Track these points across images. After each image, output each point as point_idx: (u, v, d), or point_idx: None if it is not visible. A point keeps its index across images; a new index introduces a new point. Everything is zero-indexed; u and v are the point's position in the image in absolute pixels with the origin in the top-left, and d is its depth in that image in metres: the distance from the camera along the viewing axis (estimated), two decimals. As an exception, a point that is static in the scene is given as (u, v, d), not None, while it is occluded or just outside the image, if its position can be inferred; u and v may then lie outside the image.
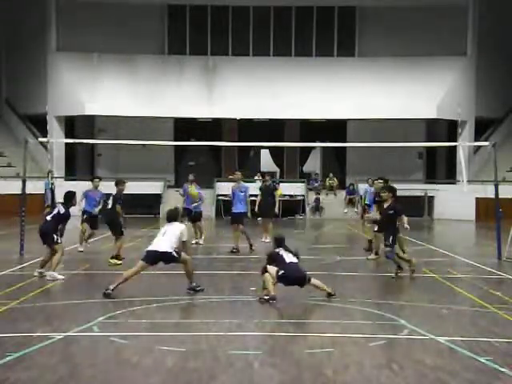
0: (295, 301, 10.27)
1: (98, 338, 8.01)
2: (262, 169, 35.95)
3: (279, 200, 21.02)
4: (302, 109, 33.24)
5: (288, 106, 32.92)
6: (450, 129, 34.14)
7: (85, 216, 16.96)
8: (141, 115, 33.55)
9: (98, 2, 34.59)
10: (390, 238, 12.85)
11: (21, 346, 7.41)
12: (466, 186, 21.26)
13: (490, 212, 22.97)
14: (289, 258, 10.44)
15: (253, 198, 18.35)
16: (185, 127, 35.84)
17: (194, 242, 18.16)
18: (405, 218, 13.28)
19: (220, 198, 32.26)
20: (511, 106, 37.36)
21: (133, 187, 26.45)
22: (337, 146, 34.51)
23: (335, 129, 35.61)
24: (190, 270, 10.78)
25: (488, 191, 25.24)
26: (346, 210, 33.43)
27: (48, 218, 12.72)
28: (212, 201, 32.38)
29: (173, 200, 28.52)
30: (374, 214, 15.35)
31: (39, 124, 31.98)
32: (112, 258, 14.41)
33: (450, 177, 35.31)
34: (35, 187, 23.79)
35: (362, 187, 22.33)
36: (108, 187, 15.87)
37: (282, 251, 10.56)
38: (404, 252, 14.96)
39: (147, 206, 32.71)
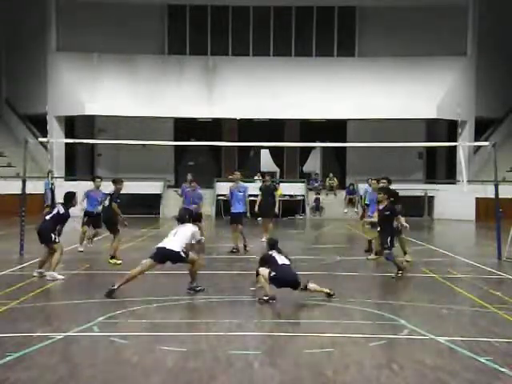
0: (295, 301, 10.27)
1: (97, 338, 8.01)
2: (262, 169, 35.98)
3: (279, 200, 21.02)
4: (302, 109, 33.24)
5: (288, 105, 32.91)
6: (450, 129, 34.14)
7: (85, 218, 16.97)
8: (141, 115, 33.54)
9: (98, 1, 34.59)
10: (388, 240, 12.89)
11: (21, 346, 7.41)
12: (466, 185, 21.27)
13: (489, 212, 22.97)
14: (281, 259, 10.47)
15: (252, 198, 18.35)
16: (185, 127, 35.84)
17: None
18: (402, 218, 13.28)
19: (220, 197, 32.26)
20: (511, 106, 37.35)
21: (133, 187, 26.68)
22: (337, 146, 34.52)
23: (335, 129, 35.60)
24: (196, 270, 10.81)
25: (488, 191, 25.23)
26: (346, 210, 33.42)
27: (47, 217, 12.71)
28: (212, 201, 32.40)
29: (172, 200, 28.57)
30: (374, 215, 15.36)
31: (39, 124, 31.98)
32: (112, 257, 14.43)
33: (450, 177, 35.31)
34: (35, 187, 23.80)
35: (362, 187, 22.33)
36: (108, 187, 15.86)
37: (274, 253, 10.61)
38: (405, 253, 14.99)
39: (147, 205, 32.73)
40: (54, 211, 12.77)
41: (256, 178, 32.70)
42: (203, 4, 35.77)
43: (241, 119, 34.85)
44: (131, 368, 6.81)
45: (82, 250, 16.56)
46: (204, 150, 35.45)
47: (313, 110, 33.56)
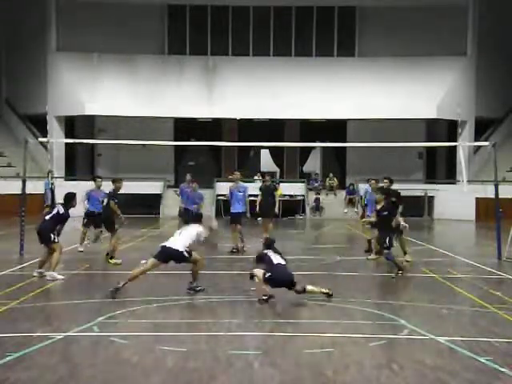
0: (295, 301, 10.27)
1: (97, 338, 8.01)
2: (262, 169, 35.99)
3: (279, 200, 21.00)
4: (302, 109, 33.24)
5: (288, 105, 32.91)
6: (450, 129, 34.14)
7: (85, 220, 16.95)
8: (141, 115, 33.55)
9: (98, 1, 34.59)
10: (387, 240, 12.90)
11: (21, 346, 7.41)
12: (466, 185, 21.25)
13: (490, 212, 22.97)
14: (276, 259, 10.48)
15: (252, 198, 18.35)
16: (185, 127, 35.85)
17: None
18: (400, 218, 13.28)
19: (220, 197, 32.26)
20: (511, 106, 37.36)
21: (133, 187, 26.71)
22: (337, 146, 34.52)
23: (335, 129, 35.61)
24: (198, 270, 10.82)
25: (488, 191, 25.23)
26: (346, 210, 33.43)
27: (47, 217, 12.71)
28: (212, 201, 32.41)
29: (172, 200, 28.58)
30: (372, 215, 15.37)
31: (39, 124, 31.98)
32: (111, 258, 14.43)
33: (450, 177, 35.31)
34: (35, 187, 23.78)
35: (362, 187, 22.33)
36: (108, 187, 15.86)
37: (270, 252, 10.62)
38: (405, 253, 15.00)
39: (147, 205, 32.74)
40: (54, 211, 12.77)
41: (256, 177, 32.71)
42: (203, 4, 35.78)
43: (241, 119, 34.86)
44: (131, 368, 6.81)
45: (82, 250, 16.56)
46: (204, 150, 35.45)
47: (313, 110, 33.57)
